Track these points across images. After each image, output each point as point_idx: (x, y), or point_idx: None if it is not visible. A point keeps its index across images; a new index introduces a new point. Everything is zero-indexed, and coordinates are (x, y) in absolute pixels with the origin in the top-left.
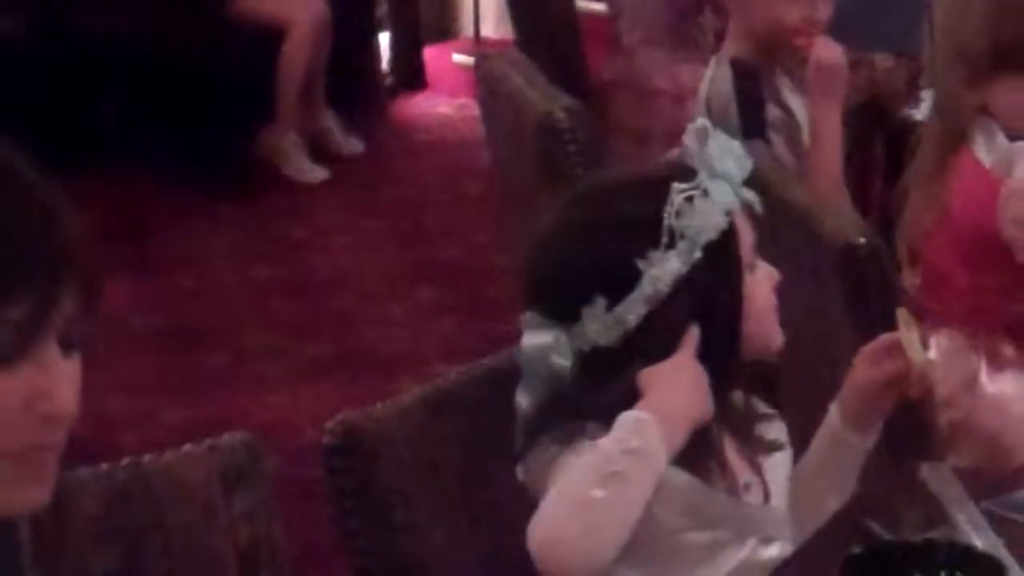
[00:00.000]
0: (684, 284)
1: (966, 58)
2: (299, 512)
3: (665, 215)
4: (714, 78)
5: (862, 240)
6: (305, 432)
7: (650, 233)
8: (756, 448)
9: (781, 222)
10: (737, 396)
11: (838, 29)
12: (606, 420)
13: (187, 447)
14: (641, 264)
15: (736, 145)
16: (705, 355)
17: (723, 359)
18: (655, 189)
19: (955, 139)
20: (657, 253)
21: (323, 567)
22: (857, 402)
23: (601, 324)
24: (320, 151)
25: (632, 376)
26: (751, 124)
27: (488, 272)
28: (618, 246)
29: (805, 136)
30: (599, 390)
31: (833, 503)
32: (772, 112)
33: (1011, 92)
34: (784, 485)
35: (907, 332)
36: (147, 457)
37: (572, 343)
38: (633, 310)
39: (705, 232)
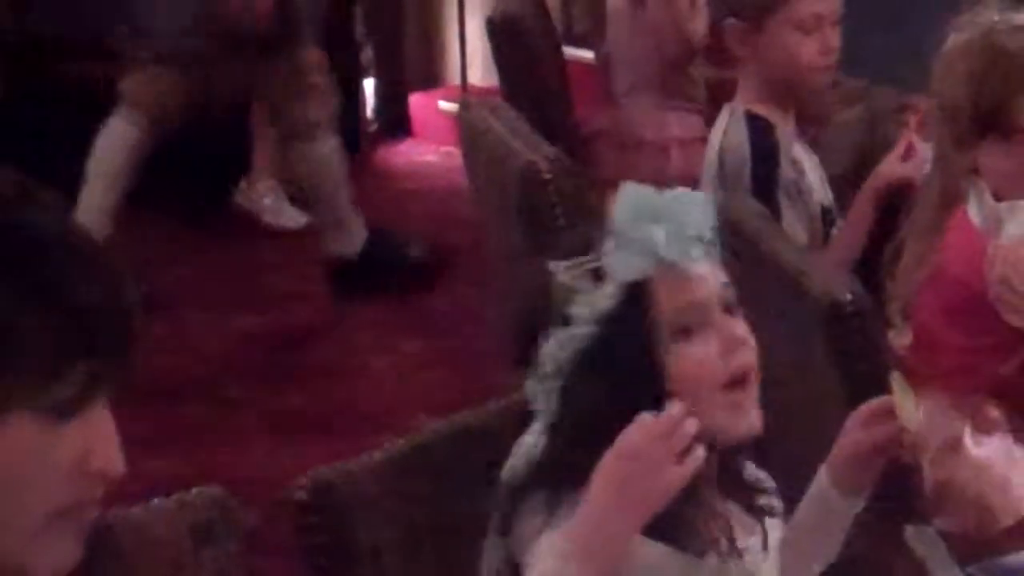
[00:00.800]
0: (587, 359)
1: (953, 120)
2: (277, 568)
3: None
4: (728, 130)
5: (849, 297)
6: (284, 486)
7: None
8: (756, 513)
9: (768, 277)
10: (738, 461)
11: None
12: (579, 485)
13: (156, 502)
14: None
15: (675, 203)
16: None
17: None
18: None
19: (951, 197)
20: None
21: None
22: (847, 465)
23: (539, 393)
24: (299, 199)
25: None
26: (763, 184)
27: (474, 324)
28: (528, 322)
29: (815, 200)
30: (564, 456)
31: (817, 566)
32: (785, 174)
33: (995, 156)
34: (776, 548)
35: (901, 396)
36: (114, 512)
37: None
38: (550, 386)
39: (595, 308)
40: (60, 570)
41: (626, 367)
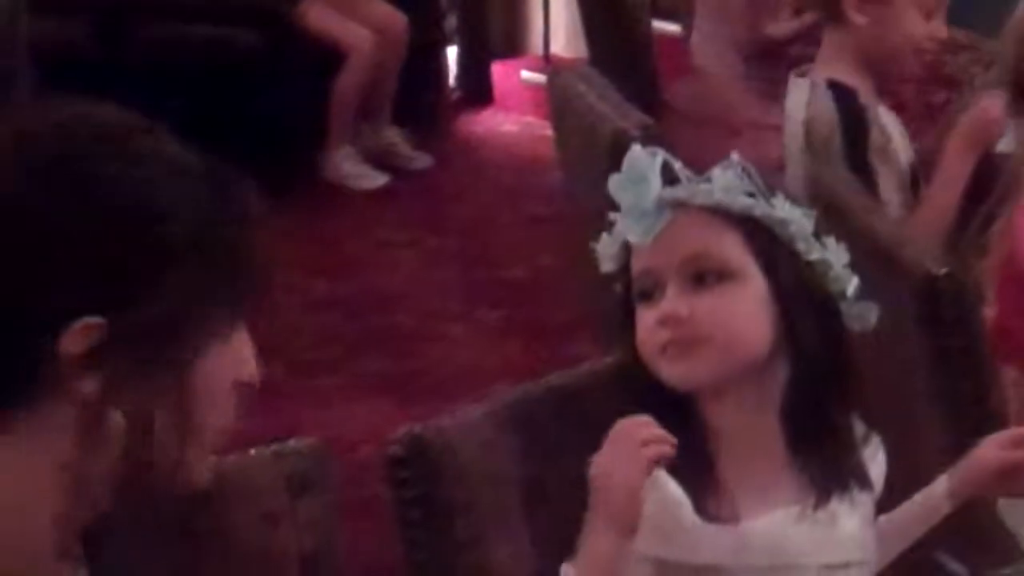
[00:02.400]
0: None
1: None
2: (354, 530)
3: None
4: (812, 101)
5: (943, 271)
6: (360, 449)
7: None
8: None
9: (860, 251)
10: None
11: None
12: None
13: (253, 451)
14: None
15: (633, 169)
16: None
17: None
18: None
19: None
20: None
21: None
22: (970, 479)
23: None
24: (387, 166)
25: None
26: (856, 152)
27: (553, 295)
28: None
29: (904, 161)
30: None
31: (895, 554)
32: (875, 139)
33: None
34: (864, 512)
35: None
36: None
37: None
38: None
39: (608, 262)
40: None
41: (617, 323)
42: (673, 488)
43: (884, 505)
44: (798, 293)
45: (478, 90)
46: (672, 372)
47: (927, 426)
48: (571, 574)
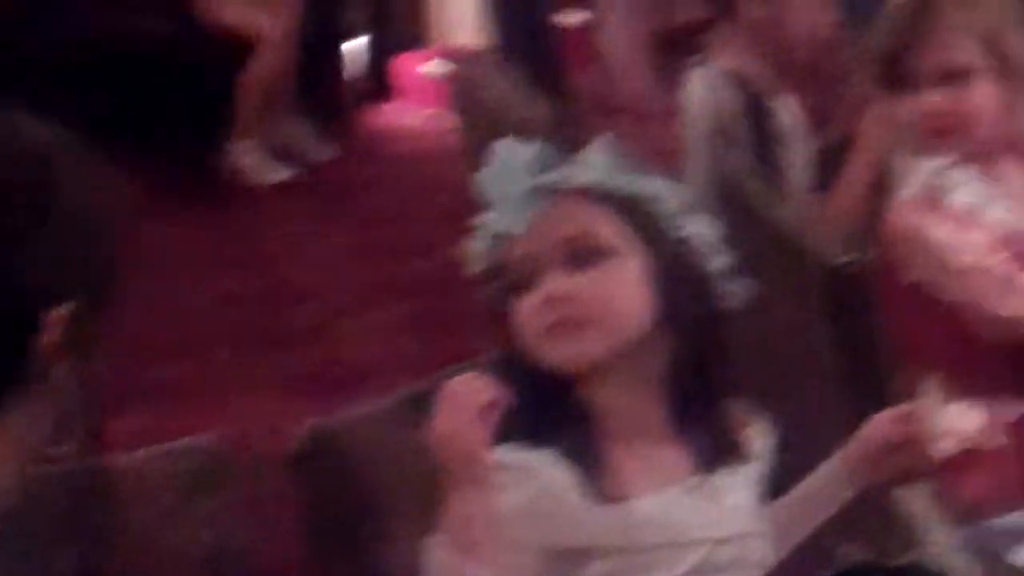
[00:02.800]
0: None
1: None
2: (261, 525)
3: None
4: (713, 91)
5: (845, 259)
6: (264, 445)
7: None
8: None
9: (764, 239)
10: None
11: None
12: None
13: (151, 449)
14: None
15: (503, 160)
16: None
17: (522, 377)
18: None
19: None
20: None
21: None
22: (860, 455)
23: None
24: (289, 158)
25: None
26: (760, 139)
27: (459, 289)
28: None
29: (805, 150)
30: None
31: (797, 540)
32: (778, 126)
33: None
34: (750, 485)
35: (930, 401)
36: (109, 458)
37: None
38: None
39: (474, 264)
40: None
41: (495, 317)
42: (560, 473)
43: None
44: (675, 269)
45: (382, 82)
46: (559, 354)
47: (832, 411)
48: (438, 542)
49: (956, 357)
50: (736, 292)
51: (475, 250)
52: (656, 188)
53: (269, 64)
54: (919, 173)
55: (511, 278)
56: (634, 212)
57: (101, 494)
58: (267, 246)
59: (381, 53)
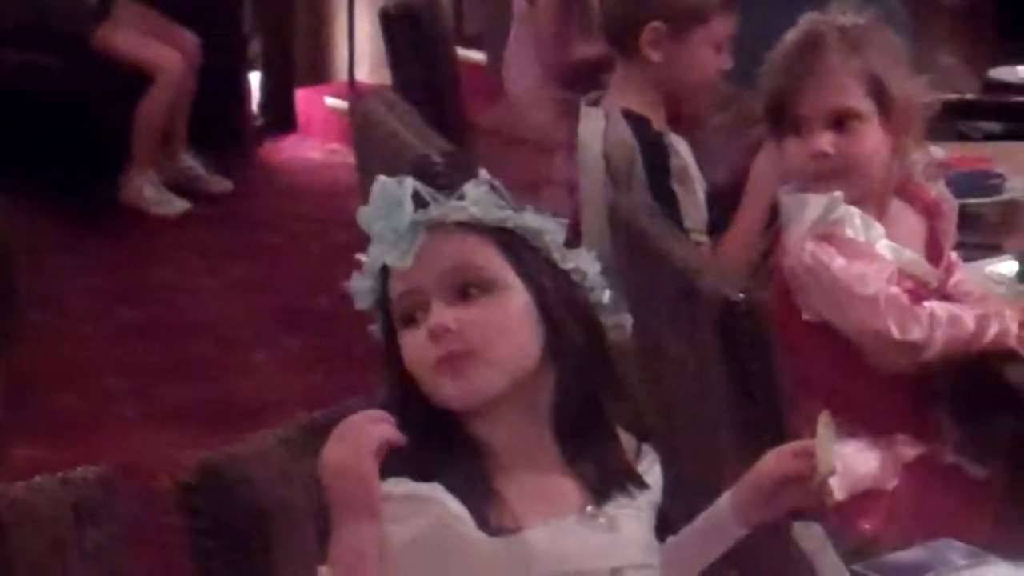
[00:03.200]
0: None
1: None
2: (153, 558)
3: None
4: (609, 130)
5: (740, 297)
6: (159, 479)
7: None
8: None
9: (660, 277)
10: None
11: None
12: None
13: (38, 479)
14: None
15: (377, 197)
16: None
17: (411, 413)
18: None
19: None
20: None
21: None
22: (752, 492)
23: None
24: (185, 191)
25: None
26: (657, 178)
27: (356, 323)
28: None
29: (700, 191)
30: None
31: (691, 575)
32: (675, 165)
33: (792, 148)
34: (645, 519)
35: (823, 437)
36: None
37: None
38: None
39: (361, 301)
40: None
41: (382, 351)
42: (452, 504)
43: None
44: (559, 302)
45: (282, 116)
46: (447, 390)
47: (727, 450)
48: (326, 574)
49: (854, 394)
50: (621, 325)
51: (361, 286)
52: (537, 222)
53: (164, 97)
54: (811, 209)
55: (396, 313)
56: (515, 246)
57: None
58: (163, 278)
59: (282, 87)
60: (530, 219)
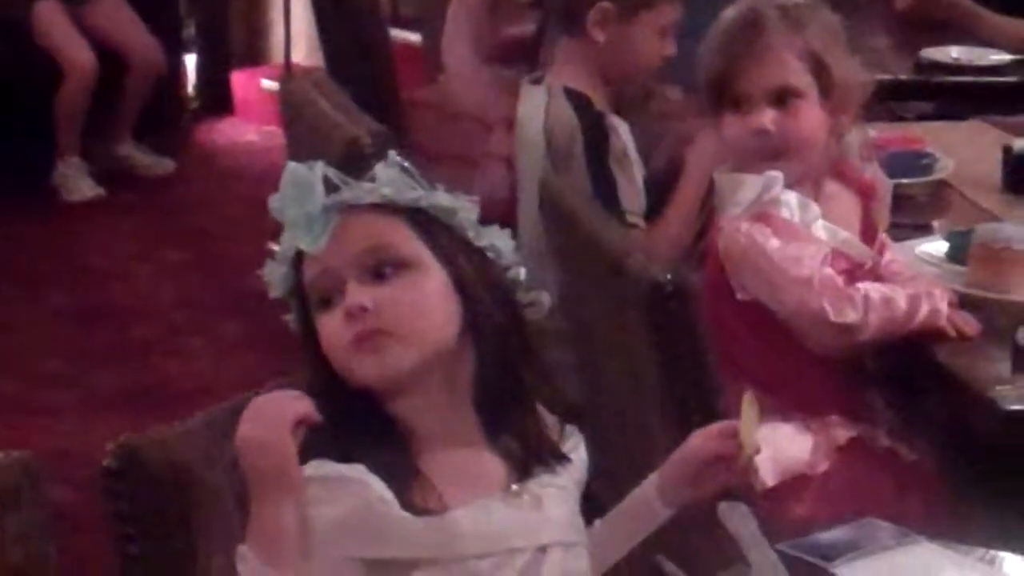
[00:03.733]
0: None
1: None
2: (86, 546)
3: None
4: (551, 108)
5: (668, 278)
6: (95, 462)
7: None
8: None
9: (588, 258)
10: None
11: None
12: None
13: None
14: None
15: (287, 182)
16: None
17: (332, 396)
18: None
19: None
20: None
21: None
22: (678, 473)
23: None
24: (125, 177)
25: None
26: (596, 158)
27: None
28: None
29: (638, 174)
30: None
31: (615, 559)
32: (614, 146)
33: (731, 127)
34: (570, 496)
35: (747, 416)
36: None
37: None
38: None
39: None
40: None
41: (300, 338)
42: (376, 485)
43: None
44: (475, 280)
45: (218, 99)
46: (365, 369)
47: (657, 431)
48: (246, 552)
49: (787, 376)
50: (539, 302)
51: (275, 274)
52: (449, 201)
53: (75, 90)
54: (747, 189)
55: (312, 297)
56: (429, 225)
57: None
58: (98, 263)
59: (218, 69)
60: (442, 198)
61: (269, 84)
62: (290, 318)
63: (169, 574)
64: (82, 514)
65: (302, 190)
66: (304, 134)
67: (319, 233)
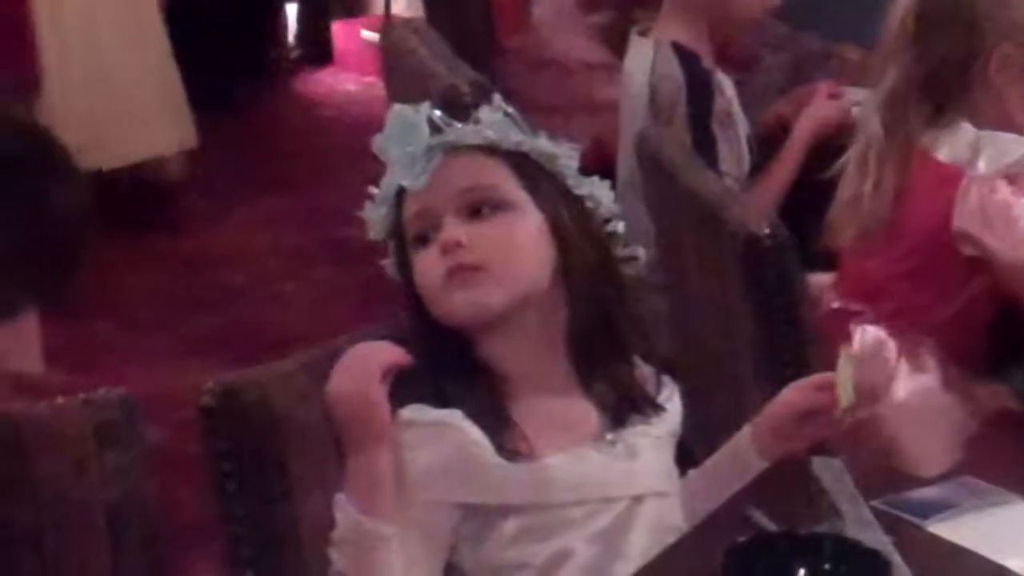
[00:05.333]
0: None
1: (927, 63)
2: (180, 486)
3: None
4: (657, 62)
5: (766, 231)
6: (189, 407)
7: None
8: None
9: (686, 210)
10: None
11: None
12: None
13: (60, 400)
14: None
15: (394, 121)
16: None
17: (427, 340)
18: None
19: (902, 143)
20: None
21: (203, 542)
22: (772, 425)
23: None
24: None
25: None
26: (699, 117)
27: (386, 255)
28: None
29: (742, 132)
30: None
31: (708, 509)
32: (719, 105)
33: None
34: (665, 447)
35: (844, 370)
36: (18, 408)
37: None
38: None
39: (374, 230)
40: None
41: (398, 279)
42: (471, 430)
43: None
44: (572, 227)
45: (318, 49)
46: (457, 302)
47: (750, 384)
48: (343, 500)
49: (967, 343)
50: (634, 257)
51: (375, 215)
52: (551, 147)
53: None
54: (1012, 149)
55: (409, 234)
56: (529, 169)
57: (8, 444)
58: (195, 208)
59: (318, 19)
60: (544, 144)
61: (368, 34)
62: (387, 262)
63: (265, 514)
64: (173, 455)
65: (407, 130)
66: (404, 83)
67: (421, 171)
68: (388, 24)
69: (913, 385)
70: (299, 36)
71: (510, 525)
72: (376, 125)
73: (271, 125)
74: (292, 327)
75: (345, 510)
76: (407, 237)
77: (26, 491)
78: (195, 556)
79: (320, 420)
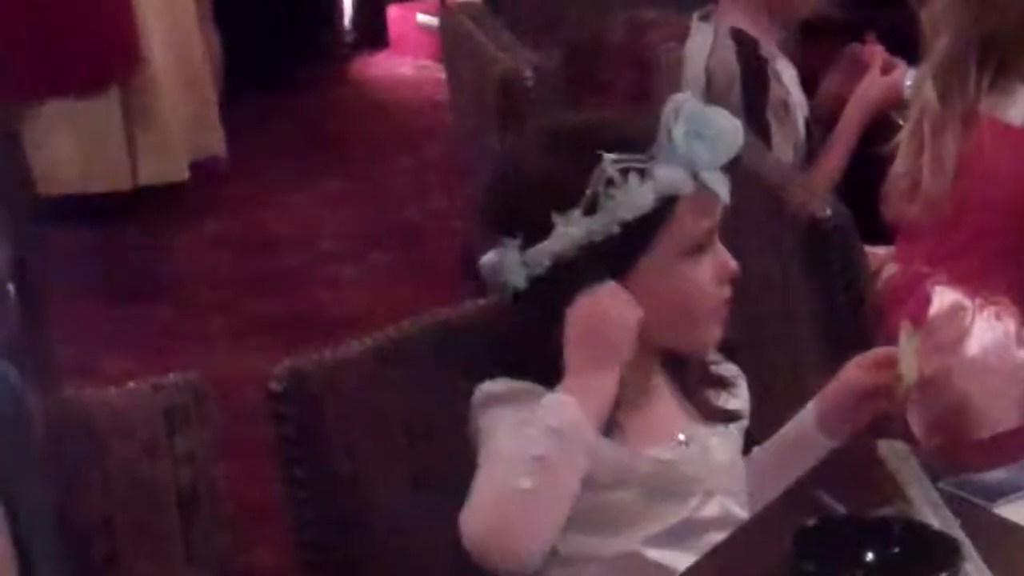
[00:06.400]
0: (592, 251)
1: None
2: (240, 469)
3: (592, 182)
4: (715, 49)
5: (828, 212)
6: (248, 389)
7: (571, 193)
8: (706, 411)
9: (747, 194)
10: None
11: None
12: (541, 381)
13: (131, 385)
14: (556, 219)
15: (719, 126)
16: None
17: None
18: (590, 151)
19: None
20: (575, 213)
21: (263, 525)
22: (835, 403)
23: (514, 263)
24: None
25: (550, 337)
26: (754, 106)
27: (445, 237)
28: (535, 196)
29: (801, 115)
30: (525, 345)
31: (779, 488)
32: (774, 94)
33: None
34: (734, 444)
35: (906, 346)
36: (89, 392)
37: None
38: (539, 259)
39: (626, 210)
40: None
41: (617, 268)
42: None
43: None
44: None
45: (374, 33)
46: (714, 335)
47: (811, 367)
48: (568, 401)
49: None
50: None
51: (632, 200)
52: None
53: None
54: None
55: (686, 243)
56: None
57: (80, 428)
58: (253, 193)
59: (374, 3)
60: None
61: (424, 18)
62: (564, 229)
63: (331, 498)
64: (237, 441)
65: (723, 137)
66: (463, 67)
67: (725, 183)
68: (446, 9)
69: (986, 341)
70: (355, 20)
71: (615, 496)
72: (431, 109)
73: (328, 109)
74: (350, 310)
75: (575, 412)
76: (673, 240)
77: (98, 476)
78: (259, 538)
79: (389, 403)
